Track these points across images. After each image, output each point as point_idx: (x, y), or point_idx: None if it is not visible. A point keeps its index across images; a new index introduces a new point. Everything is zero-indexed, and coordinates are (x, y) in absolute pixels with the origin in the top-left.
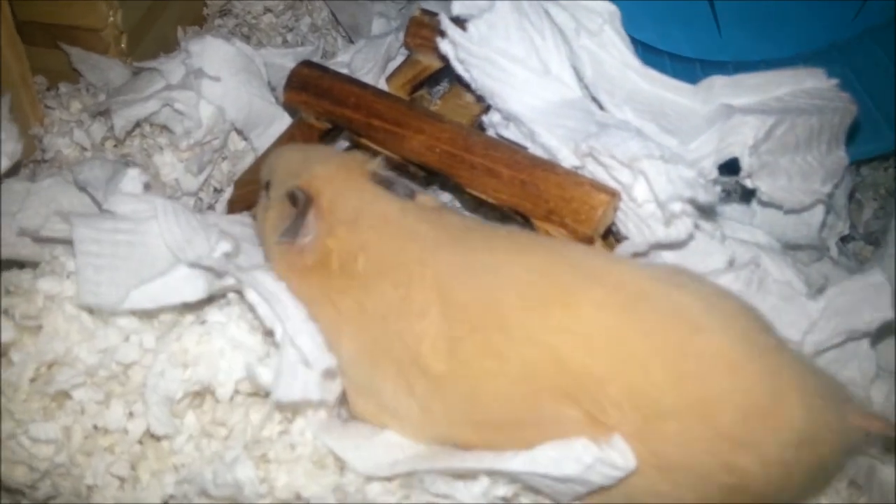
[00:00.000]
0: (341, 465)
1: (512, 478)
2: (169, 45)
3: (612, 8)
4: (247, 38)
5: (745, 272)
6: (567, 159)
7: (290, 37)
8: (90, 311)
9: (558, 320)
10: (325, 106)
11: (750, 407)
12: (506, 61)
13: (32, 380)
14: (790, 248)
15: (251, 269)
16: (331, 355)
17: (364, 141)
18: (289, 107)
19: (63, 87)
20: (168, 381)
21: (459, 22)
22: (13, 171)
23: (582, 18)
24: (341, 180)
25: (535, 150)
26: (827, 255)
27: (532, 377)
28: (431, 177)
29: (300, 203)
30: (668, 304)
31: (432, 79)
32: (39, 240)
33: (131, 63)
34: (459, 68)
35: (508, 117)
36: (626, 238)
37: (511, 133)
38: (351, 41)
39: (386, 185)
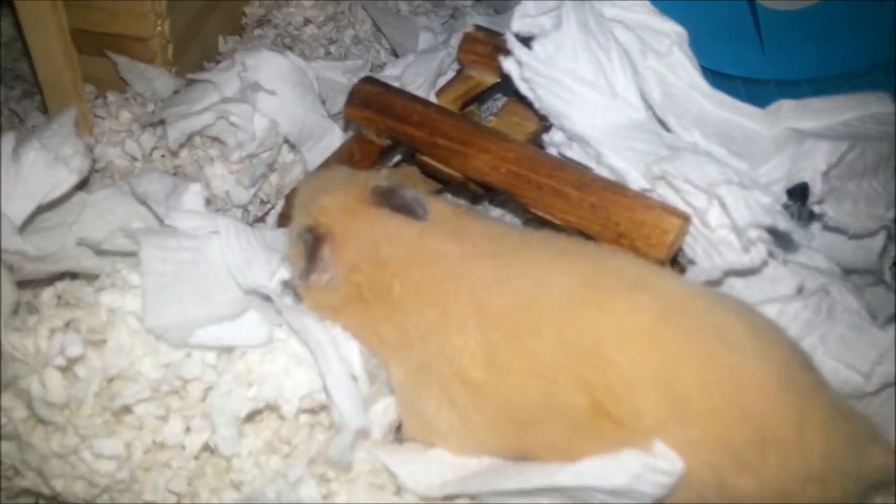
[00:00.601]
0: (399, 486)
1: (562, 493)
2: (210, 55)
3: (680, 29)
4: (289, 49)
5: (815, 300)
6: (636, 182)
7: (333, 49)
8: (156, 336)
9: (592, 321)
10: (387, 123)
11: (769, 434)
12: (573, 82)
13: (96, 394)
14: (846, 272)
15: (300, 312)
16: (365, 415)
17: (425, 158)
18: (347, 121)
19: (111, 97)
20: (234, 400)
21: (522, 40)
22: (80, 185)
23: (649, 39)
24: (350, 212)
25: (600, 171)
26: (882, 280)
27: (560, 374)
28: (490, 193)
29: (309, 243)
30: (709, 319)
31: (483, 95)
32: (100, 252)
33: (176, 73)
34: (523, 87)
35: (573, 138)
36: (691, 263)
37: (575, 153)
38: (395, 54)
39: (396, 205)
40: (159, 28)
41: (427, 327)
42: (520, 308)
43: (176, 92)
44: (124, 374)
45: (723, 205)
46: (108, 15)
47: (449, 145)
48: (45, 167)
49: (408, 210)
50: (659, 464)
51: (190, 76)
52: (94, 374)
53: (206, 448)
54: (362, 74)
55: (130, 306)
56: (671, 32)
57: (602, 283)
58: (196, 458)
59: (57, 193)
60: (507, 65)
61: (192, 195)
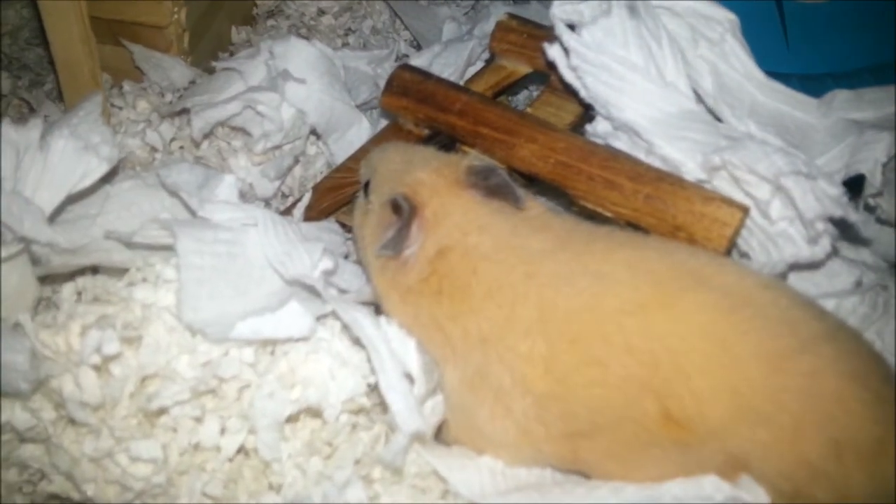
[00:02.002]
0: (444, 489)
1: None
2: (224, 46)
3: (732, 16)
4: (306, 40)
5: (871, 294)
6: (691, 173)
7: (351, 39)
8: (192, 332)
9: (659, 325)
10: (427, 112)
11: (847, 445)
12: (624, 69)
13: (132, 395)
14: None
15: (349, 305)
16: (420, 417)
17: (466, 149)
18: (384, 112)
19: (127, 86)
20: (277, 402)
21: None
22: (109, 175)
23: (700, 27)
24: (446, 190)
25: (651, 162)
26: None
27: (630, 382)
28: (533, 184)
29: (404, 213)
30: (776, 313)
31: (515, 85)
32: (131, 245)
33: (191, 63)
34: (569, 75)
35: (621, 127)
36: (744, 257)
37: (622, 144)
38: (415, 44)
39: (494, 185)
40: (176, 16)
41: (490, 331)
42: (583, 310)
43: (192, 82)
44: (161, 373)
45: (789, 196)
46: (126, 2)
47: (493, 135)
48: (74, 156)
49: (506, 191)
50: (742, 495)
51: (215, 64)
52: (130, 372)
53: (242, 450)
54: (387, 65)
55: (164, 301)
56: (723, 19)
57: (667, 278)
58: (231, 460)
59: (86, 183)
60: (552, 52)
61: (227, 186)
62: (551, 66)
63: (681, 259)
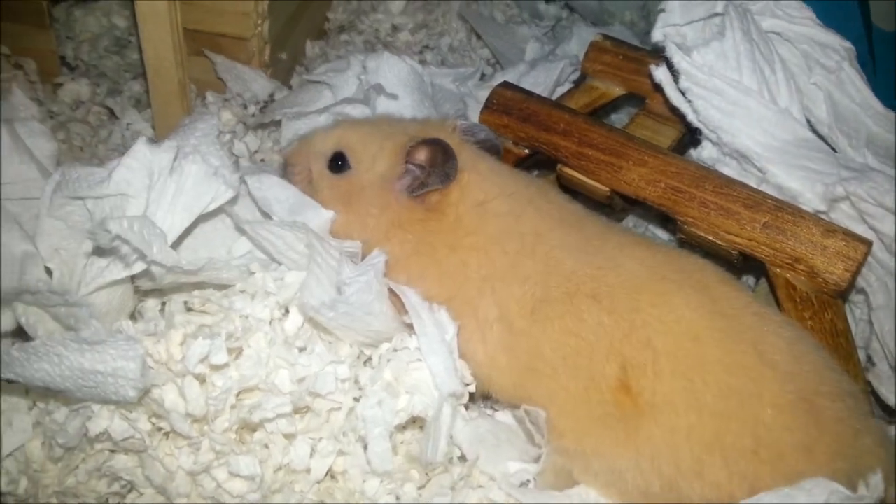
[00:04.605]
0: None
1: None
2: (299, 59)
3: (848, 44)
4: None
5: None
6: (809, 203)
7: (428, 56)
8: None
9: (647, 304)
10: (529, 131)
11: (769, 450)
12: (738, 93)
13: (233, 407)
14: None
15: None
16: (457, 380)
17: (568, 170)
18: None
19: (210, 97)
20: (385, 412)
21: (659, 50)
22: None
23: (815, 53)
24: (459, 144)
25: (765, 191)
26: None
27: (601, 341)
28: (633, 207)
29: (439, 151)
30: (754, 334)
31: (605, 107)
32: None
33: (271, 75)
34: (676, 98)
35: (731, 153)
36: (860, 293)
37: (731, 171)
38: (493, 62)
39: (482, 139)
40: (259, 28)
41: (491, 271)
42: (587, 278)
43: (271, 94)
44: (261, 386)
45: None
46: (210, 13)
47: (599, 156)
48: (204, 180)
49: (490, 147)
50: (852, 493)
51: (306, 77)
52: (232, 384)
53: (330, 472)
54: (470, 83)
55: (261, 314)
56: (839, 47)
57: (668, 276)
58: (319, 482)
59: (212, 207)
60: (659, 73)
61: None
62: (656, 87)
63: (685, 266)
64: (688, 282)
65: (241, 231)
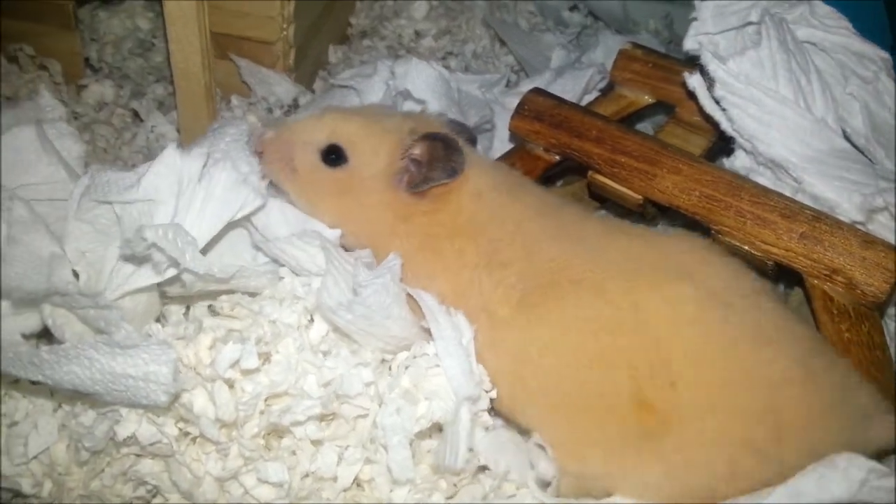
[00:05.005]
0: None
1: None
2: (322, 64)
3: (885, 55)
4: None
5: None
6: (847, 214)
7: (452, 62)
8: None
9: (645, 294)
10: (561, 138)
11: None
12: (774, 103)
13: (262, 412)
14: None
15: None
16: (475, 383)
17: (599, 177)
18: (512, 134)
19: (235, 100)
20: (404, 419)
21: (691, 59)
22: None
23: (851, 63)
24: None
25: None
26: None
27: (597, 336)
28: (664, 215)
29: (441, 146)
30: (749, 316)
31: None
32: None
33: (295, 80)
34: (710, 107)
35: (766, 162)
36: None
37: (766, 180)
38: (517, 69)
39: (467, 137)
40: (284, 32)
41: (477, 258)
42: (568, 265)
43: (295, 99)
44: (290, 391)
45: None
46: (235, 16)
47: (632, 164)
48: (234, 188)
49: (470, 137)
50: (886, 468)
51: (332, 81)
52: (262, 390)
53: (357, 481)
54: (496, 89)
55: (289, 319)
56: (876, 57)
57: (658, 265)
58: (346, 490)
59: (241, 215)
60: (693, 81)
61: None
62: (689, 95)
63: (668, 252)
64: (681, 269)
65: (259, 248)
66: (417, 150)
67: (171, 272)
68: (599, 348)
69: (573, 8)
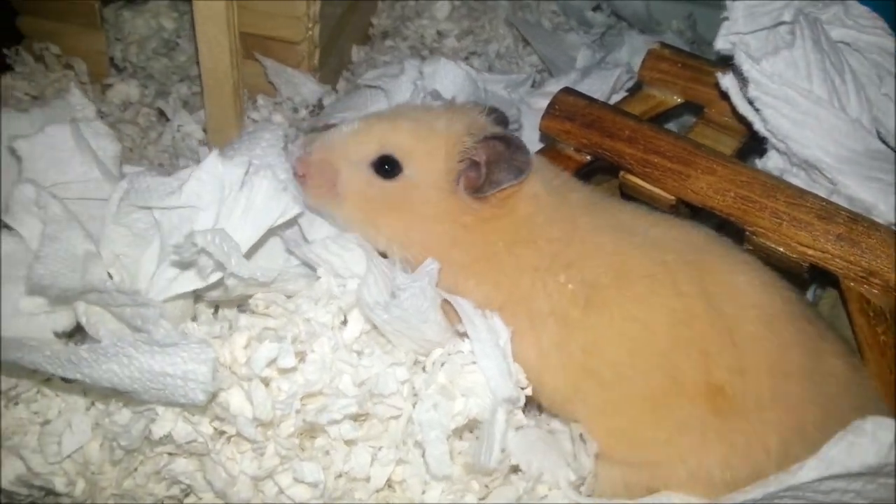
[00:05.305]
0: None
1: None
2: (345, 64)
3: None
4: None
5: None
6: (883, 216)
7: (476, 62)
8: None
9: (714, 276)
10: (592, 138)
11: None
12: (809, 103)
13: (298, 411)
14: None
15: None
16: (512, 384)
17: (631, 178)
18: (545, 135)
19: (261, 100)
20: (441, 415)
21: (723, 59)
22: None
23: (886, 64)
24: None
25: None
26: None
27: (673, 327)
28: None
29: (504, 146)
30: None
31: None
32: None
33: (319, 80)
34: (743, 107)
35: (800, 163)
36: None
37: (799, 181)
38: (541, 69)
39: (505, 124)
40: (310, 32)
41: (539, 261)
42: (631, 258)
43: (320, 99)
44: (325, 390)
45: None
46: (261, 16)
47: (666, 164)
48: (274, 196)
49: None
50: None
51: (360, 81)
52: (298, 389)
53: (388, 481)
54: (522, 89)
55: (324, 318)
56: None
57: (714, 252)
58: (378, 490)
59: (281, 222)
60: (726, 81)
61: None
62: (722, 95)
63: (714, 240)
64: (735, 260)
65: (291, 252)
66: (479, 153)
67: (215, 277)
68: (674, 337)
69: (596, 8)
